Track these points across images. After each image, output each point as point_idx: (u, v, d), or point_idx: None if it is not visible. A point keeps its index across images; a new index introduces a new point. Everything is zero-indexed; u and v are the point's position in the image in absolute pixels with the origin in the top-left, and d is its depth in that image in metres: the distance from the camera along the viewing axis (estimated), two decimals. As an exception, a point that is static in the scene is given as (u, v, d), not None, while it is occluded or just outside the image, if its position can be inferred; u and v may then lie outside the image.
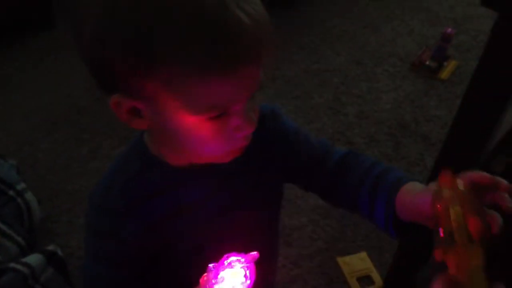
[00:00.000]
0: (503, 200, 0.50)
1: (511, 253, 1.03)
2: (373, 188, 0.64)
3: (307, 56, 2.21)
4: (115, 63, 0.50)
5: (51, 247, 1.38)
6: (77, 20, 0.51)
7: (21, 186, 1.45)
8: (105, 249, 0.63)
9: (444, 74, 2.09)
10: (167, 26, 0.46)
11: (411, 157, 1.77)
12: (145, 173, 0.62)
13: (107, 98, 0.54)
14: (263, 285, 0.60)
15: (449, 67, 2.11)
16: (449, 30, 2.06)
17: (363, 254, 1.48)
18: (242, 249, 0.56)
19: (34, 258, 1.32)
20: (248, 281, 0.56)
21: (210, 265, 0.55)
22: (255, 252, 0.56)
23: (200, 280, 0.56)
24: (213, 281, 0.55)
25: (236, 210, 0.67)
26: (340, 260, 1.47)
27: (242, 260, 0.55)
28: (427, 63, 2.10)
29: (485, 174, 0.52)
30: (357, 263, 1.46)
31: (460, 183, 0.50)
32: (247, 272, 0.56)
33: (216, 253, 0.56)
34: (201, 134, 0.54)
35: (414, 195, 0.58)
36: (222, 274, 0.55)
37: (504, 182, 0.52)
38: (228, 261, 0.55)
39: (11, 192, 1.43)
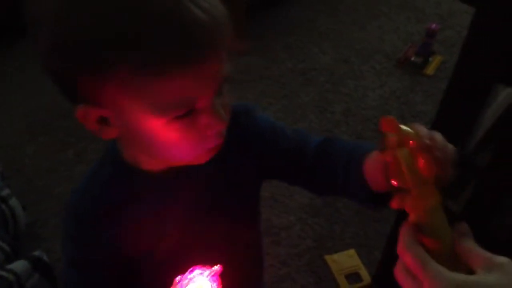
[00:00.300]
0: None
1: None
2: (347, 165, 0.63)
3: (294, 55, 2.21)
4: (72, 72, 0.49)
5: (37, 253, 1.36)
6: (34, 33, 0.51)
7: (5, 192, 1.44)
8: (80, 254, 0.63)
9: (430, 69, 2.10)
10: (117, 29, 0.46)
11: (398, 154, 1.77)
12: (119, 179, 0.62)
13: (74, 109, 0.53)
14: None
15: (435, 62, 2.12)
16: (434, 25, 2.07)
17: (352, 252, 1.49)
18: (217, 258, 0.56)
19: (19, 265, 1.30)
20: None
21: (177, 278, 0.55)
22: (218, 266, 0.56)
23: None
24: None
25: (215, 212, 0.67)
26: (328, 258, 1.47)
27: (206, 273, 0.55)
28: (413, 59, 2.10)
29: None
30: (346, 260, 1.46)
31: (403, 126, 0.48)
32: (213, 285, 0.56)
33: (190, 260, 0.55)
34: (171, 135, 0.53)
35: (369, 162, 0.57)
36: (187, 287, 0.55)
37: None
38: (192, 275, 0.55)
39: (-5, 199, 1.42)
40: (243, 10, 2.04)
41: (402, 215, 0.59)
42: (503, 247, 1.08)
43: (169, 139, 0.54)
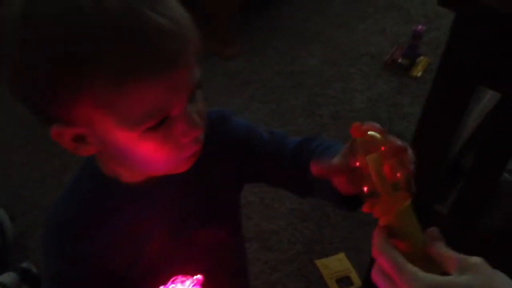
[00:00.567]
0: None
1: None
2: None
3: (281, 59, 2.21)
4: (40, 96, 0.49)
5: (25, 265, 1.36)
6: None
7: (-8, 203, 1.43)
8: (59, 269, 0.62)
9: (417, 71, 2.10)
10: (78, 49, 0.46)
11: (387, 156, 1.77)
12: (98, 193, 0.62)
13: (48, 131, 0.52)
14: None
15: (421, 64, 2.13)
16: (420, 27, 2.08)
17: (341, 255, 1.49)
18: (198, 268, 0.56)
19: (8, 276, 1.30)
20: None
21: None
22: (199, 275, 0.56)
23: None
24: None
25: (195, 220, 0.67)
26: (319, 262, 1.47)
27: (188, 282, 0.55)
28: (399, 61, 2.11)
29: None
30: (336, 264, 1.46)
31: (371, 131, 0.49)
32: None
33: (173, 270, 0.55)
34: (148, 147, 0.53)
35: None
36: None
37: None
38: (174, 284, 0.55)
39: (-18, 211, 1.41)
40: (230, 14, 2.04)
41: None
42: (490, 248, 1.08)
43: (146, 150, 0.53)
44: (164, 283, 0.59)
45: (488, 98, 1.33)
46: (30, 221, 1.57)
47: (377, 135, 0.48)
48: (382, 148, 0.47)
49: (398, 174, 0.47)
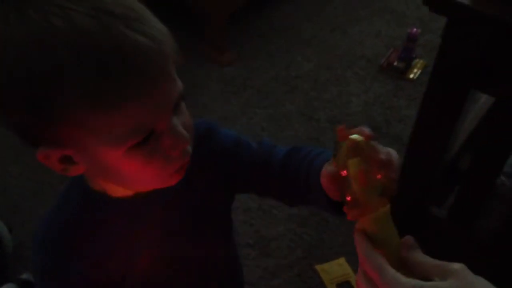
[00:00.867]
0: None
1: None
2: (306, 175, 0.62)
3: (277, 63, 2.21)
4: (21, 119, 0.49)
5: (25, 276, 1.36)
6: None
7: (-10, 215, 1.42)
8: (51, 286, 0.62)
9: (413, 74, 2.11)
10: (50, 67, 0.45)
11: (384, 159, 1.77)
12: (86, 209, 0.61)
13: (34, 153, 0.52)
14: None
15: (417, 66, 2.14)
16: (415, 30, 2.08)
17: (342, 260, 1.49)
18: (189, 281, 0.56)
19: (7, 288, 1.29)
20: None
21: None
22: None
23: None
24: None
25: (186, 234, 0.66)
26: (319, 267, 1.47)
27: None
28: (395, 64, 2.12)
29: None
30: (336, 269, 1.46)
31: (355, 135, 0.49)
32: None
33: (164, 284, 0.55)
34: (136, 162, 0.52)
35: (324, 171, 0.56)
36: None
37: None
38: None
39: (-20, 223, 1.40)
40: (224, 21, 2.04)
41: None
42: (488, 250, 1.09)
43: (134, 167, 0.53)
44: None
45: (483, 100, 1.34)
46: (28, 232, 1.56)
47: (359, 138, 0.48)
48: (364, 152, 0.48)
49: (378, 177, 0.47)
